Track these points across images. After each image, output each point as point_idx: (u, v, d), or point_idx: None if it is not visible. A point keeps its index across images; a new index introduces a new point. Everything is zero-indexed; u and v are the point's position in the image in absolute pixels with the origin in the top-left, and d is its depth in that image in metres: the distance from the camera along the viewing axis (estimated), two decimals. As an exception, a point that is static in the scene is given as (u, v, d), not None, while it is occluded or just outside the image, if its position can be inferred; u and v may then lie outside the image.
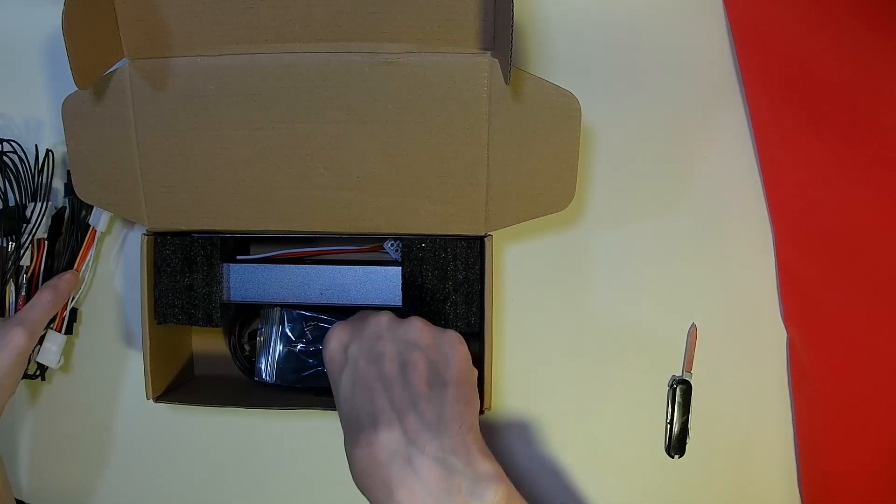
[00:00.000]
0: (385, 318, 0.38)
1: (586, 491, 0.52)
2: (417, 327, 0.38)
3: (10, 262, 0.46)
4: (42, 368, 0.50)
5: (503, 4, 0.36)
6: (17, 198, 0.47)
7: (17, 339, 0.43)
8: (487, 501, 0.31)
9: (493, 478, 0.32)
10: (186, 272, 0.45)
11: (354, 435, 0.34)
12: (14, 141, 0.48)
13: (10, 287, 0.47)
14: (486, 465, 0.33)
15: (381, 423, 0.33)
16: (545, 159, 0.41)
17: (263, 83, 0.41)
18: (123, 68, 0.42)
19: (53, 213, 0.48)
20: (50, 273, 0.48)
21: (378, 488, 0.32)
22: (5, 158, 0.47)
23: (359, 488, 0.34)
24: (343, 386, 0.36)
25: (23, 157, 0.48)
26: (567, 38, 0.49)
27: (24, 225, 0.46)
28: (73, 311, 0.50)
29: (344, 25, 0.40)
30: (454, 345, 0.38)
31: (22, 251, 0.46)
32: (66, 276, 0.47)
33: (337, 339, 0.38)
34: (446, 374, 0.36)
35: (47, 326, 0.48)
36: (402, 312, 0.44)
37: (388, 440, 0.33)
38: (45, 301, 0.45)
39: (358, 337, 0.38)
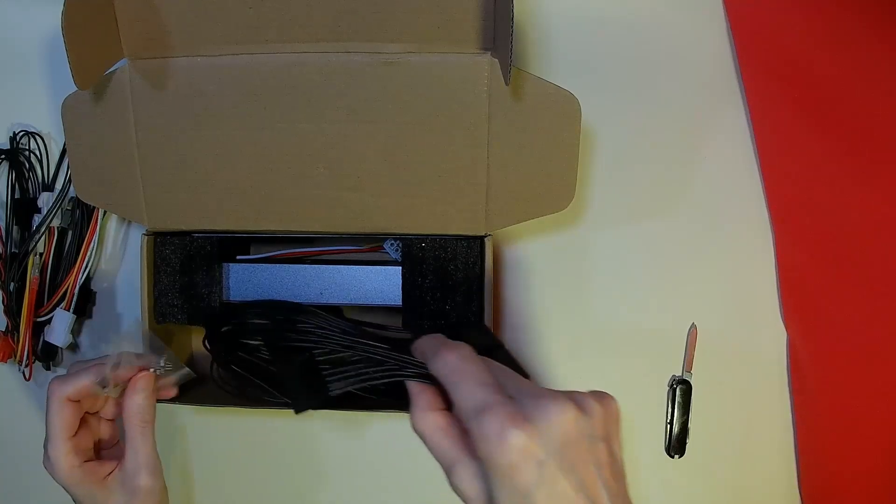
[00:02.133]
0: (572, 412, 0.32)
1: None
2: (598, 414, 0.33)
3: (30, 249, 0.48)
4: (49, 353, 0.50)
5: (503, 4, 0.36)
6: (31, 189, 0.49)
7: (144, 482, 0.41)
8: None
9: None
10: (186, 272, 0.45)
11: None
12: (35, 133, 0.49)
13: (32, 265, 0.48)
14: None
15: None
16: (545, 159, 0.41)
17: (263, 83, 0.41)
18: (123, 68, 0.42)
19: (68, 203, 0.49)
20: (60, 257, 0.49)
21: None
22: (20, 155, 0.49)
23: None
24: (537, 502, 0.31)
25: (39, 150, 0.49)
26: (567, 38, 0.49)
27: (37, 215, 0.48)
28: (87, 292, 0.50)
29: (344, 25, 0.40)
30: (615, 415, 0.34)
31: (35, 240, 0.48)
32: (140, 386, 0.41)
33: (522, 442, 0.31)
34: (617, 454, 0.34)
35: (57, 305, 0.49)
36: (402, 312, 0.44)
37: None
38: (139, 430, 0.42)
39: (550, 447, 0.31)
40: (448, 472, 0.33)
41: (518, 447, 0.30)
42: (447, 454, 0.34)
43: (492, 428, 0.31)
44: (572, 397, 0.33)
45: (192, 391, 0.49)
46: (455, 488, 0.33)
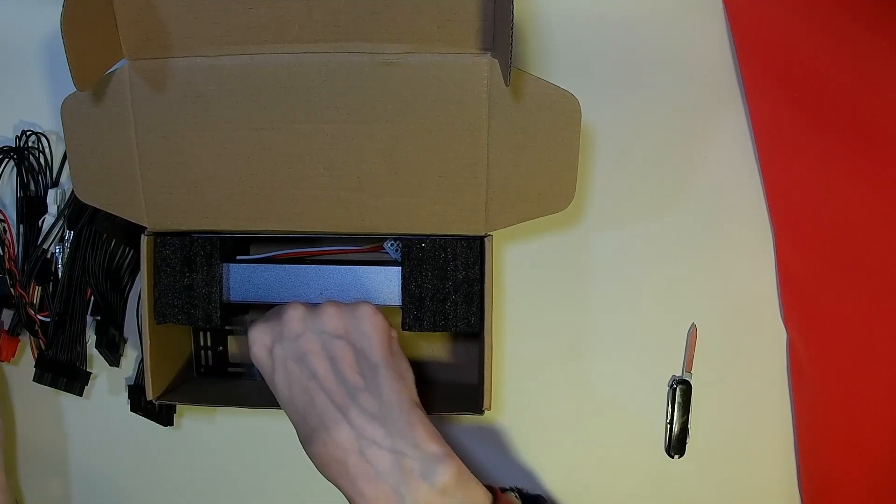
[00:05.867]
0: (299, 312, 0.39)
1: (587, 491, 0.52)
2: (331, 314, 0.38)
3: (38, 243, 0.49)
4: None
5: (503, 4, 0.36)
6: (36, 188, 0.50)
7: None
8: (439, 481, 0.34)
9: (443, 457, 0.35)
10: (186, 272, 0.45)
11: (307, 434, 0.36)
12: (41, 133, 0.49)
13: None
14: (434, 446, 0.35)
15: (330, 424, 0.35)
16: (545, 159, 0.41)
17: (263, 83, 0.41)
18: (123, 69, 0.42)
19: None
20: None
21: (341, 479, 0.35)
22: (29, 154, 0.49)
23: (325, 477, 0.36)
24: (279, 389, 0.38)
25: (45, 149, 0.50)
26: (567, 38, 0.49)
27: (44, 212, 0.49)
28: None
29: (344, 26, 0.40)
30: (370, 319, 0.38)
31: (41, 235, 0.48)
32: None
33: (259, 342, 0.39)
34: (373, 356, 0.38)
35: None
36: (402, 312, 0.44)
37: (339, 438, 0.35)
38: None
39: (279, 336, 0.38)
40: None
41: (253, 338, 0.39)
42: None
43: (249, 336, 0.39)
44: (308, 306, 0.39)
45: (193, 391, 0.49)
46: None
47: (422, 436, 0.35)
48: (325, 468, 0.36)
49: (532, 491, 0.48)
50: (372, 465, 0.34)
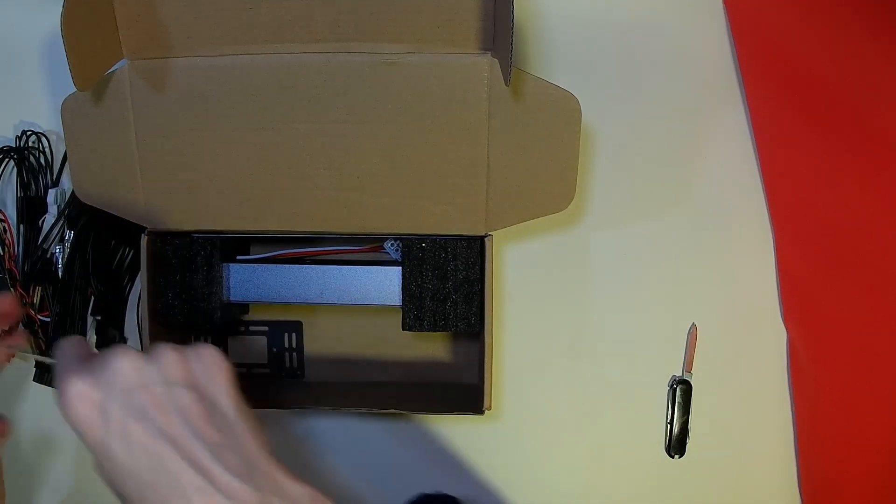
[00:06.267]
0: (131, 358, 0.32)
1: (587, 491, 0.52)
2: (172, 359, 0.33)
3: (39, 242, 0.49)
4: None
5: (503, 4, 0.36)
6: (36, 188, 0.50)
7: None
8: None
9: (312, 497, 0.32)
10: (186, 272, 0.45)
11: None
12: (41, 133, 0.49)
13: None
14: (300, 488, 0.32)
15: (192, 492, 0.29)
16: (545, 159, 0.41)
17: (263, 83, 0.41)
18: (123, 69, 0.42)
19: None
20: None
21: None
22: (29, 154, 0.49)
23: None
24: (116, 455, 0.31)
25: (45, 149, 0.50)
26: (567, 38, 0.49)
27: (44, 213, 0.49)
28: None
29: (344, 26, 0.40)
30: (216, 363, 0.34)
31: (41, 235, 0.48)
32: None
33: (83, 398, 0.31)
34: (225, 406, 0.33)
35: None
36: (402, 312, 0.44)
37: None
38: None
39: (110, 392, 0.31)
40: None
41: (71, 395, 0.31)
42: None
43: (58, 387, 0.31)
44: (140, 352, 0.32)
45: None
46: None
47: (287, 484, 0.32)
48: None
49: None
50: None
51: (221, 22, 0.40)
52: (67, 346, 0.35)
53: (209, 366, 0.33)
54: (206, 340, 0.52)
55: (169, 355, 0.32)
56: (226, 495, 0.29)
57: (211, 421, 0.32)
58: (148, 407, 0.31)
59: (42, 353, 0.49)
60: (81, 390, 0.31)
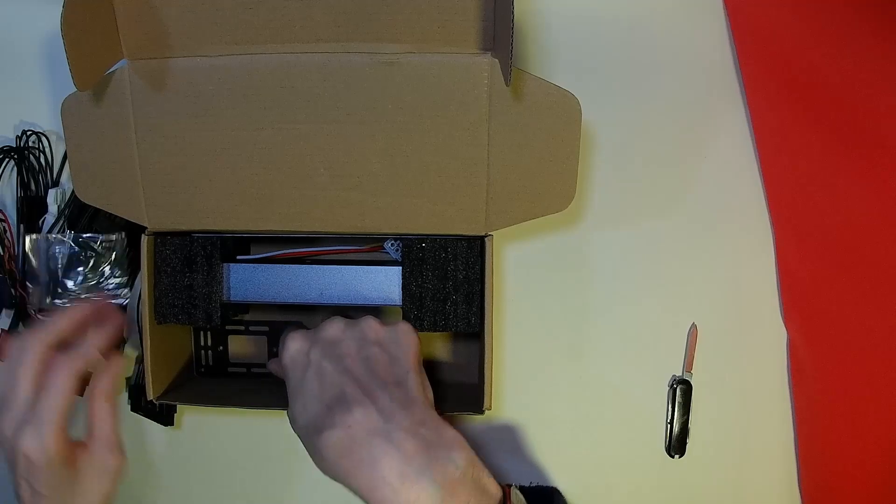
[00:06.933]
0: (340, 323, 0.41)
1: (587, 491, 0.52)
2: (371, 325, 0.41)
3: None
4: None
5: (503, 4, 0.36)
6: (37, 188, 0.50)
7: (115, 462, 0.41)
8: (458, 463, 0.35)
9: (459, 443, 0.37)
10: (186, 272, 0.45)
11: (326, 420, 0.36)
12: (41, 133, 0.49)
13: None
14: (451, 433, 0.37)
15: (356, 406, 0.36)
16: (545, 159, 0.41)
17: (263, 83, 0.41)
18: (123, 69, 0.42)
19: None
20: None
21: (358, 466, 0.35)
22: (29, 154, 0.49)
23: (330, 473, 0.36)
24: (308, 385, 0.38)
25: (45, 149, 0.50)
26: (567, 38, 0.49)
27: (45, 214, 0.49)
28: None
29: (344, 25, 0.40)
30: (407, 336, 0.41)
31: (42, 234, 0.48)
32: (116, 365, 0.42)
33: (296, 343, 0.40)
34: (405, 364, 0.40)
35: None
36: (402, 312, 0.44)
37: (364, 420, 0.36)
38: (108, 410, 0.41)
39: (317, 342, 0.40)
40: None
41: (289, 341, 0.40)
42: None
43: (282, 342, 0.41)
44: (348, 319, 0.41)
45: (193, 391, 0.49)
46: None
47: (441, 425, 0.37)
48: (341, 457, 0.35)
49: (532, 483, 0.49)
50: (397, 447, 0.35)
51: (221, 22, 0.40)
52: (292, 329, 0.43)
53: (400, 333, 0.41)
54: (205, 340, 0.52)
55: (370, 322, 0.41)
56: (384, 414, 0.36)
57: (389, 369, 0.39)
58: (343, 354, 0.39)
59: None
60: (296, 339, 0.40)
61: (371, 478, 0.34)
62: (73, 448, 0.39)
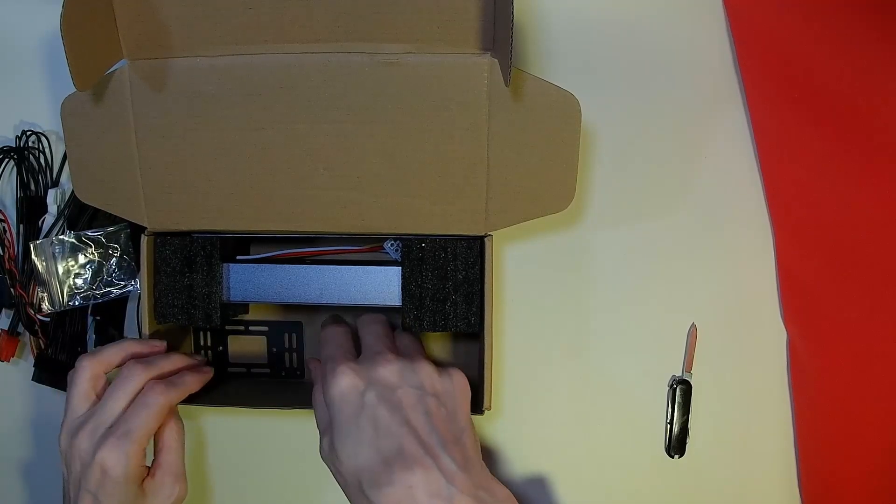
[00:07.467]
0: (395, 364, 0.40)
1: (587, 491, 0.52)
2: (428, 373, 0.40)
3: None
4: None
5: (503, 4, 0.36)
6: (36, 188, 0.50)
7: (179, 492, 0.42)
8: None
9: (512, 501, 0.38)
10: (186, 272, 0.45)
11: (384, 477, 0.36)
12: (41, 133, 0.49)
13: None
14: (504, 492, 0.38)
15: (417, 467, 0.36)
16: (545, 159, 0.41)
17: (263, 83, 0.41)
18: (123, 69, 0.42)
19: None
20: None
21: None
22: (29, 154, 0.49)
23: None
24: (363, 431, 0.38)
25: (45, 149, 0.50)
26: (567, 38, 0.49)
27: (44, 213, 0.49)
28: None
29: (344, 26, 0.40)
30: (462, 389, 0.41)
31: (41, 235, 0.48)
32: (188, 389, 0.43)
33: (348, 380, 0.39)
34: (461, 421, 0.40)
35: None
36: (402, 312, 0.44)
37: (426, 483, 0.35)
38: (177, 439, 0.43)
39: (372, 383, 0.39)
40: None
41: (343, 377, 0.39)
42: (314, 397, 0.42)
43: (329, 370, 0.40)
44: (404, 361, 0.40)
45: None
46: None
47: (494, 486, 0.38)
48: None
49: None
50: None
51: (221, 22, 0.40)
52: (336, 335, 0.44)
53: (457, 385, 0.41)
54: (205, 340, 0.52)
55: (427, 370, 0.40)
56: (447, 477, 0.36)
57: (447, 426, 0.39)
58: (403, 404, 0.38)
59: (42, 352, 0.49)
60: (350, 376, 0.39)
61: None
62: (145, 471, 0.41)
